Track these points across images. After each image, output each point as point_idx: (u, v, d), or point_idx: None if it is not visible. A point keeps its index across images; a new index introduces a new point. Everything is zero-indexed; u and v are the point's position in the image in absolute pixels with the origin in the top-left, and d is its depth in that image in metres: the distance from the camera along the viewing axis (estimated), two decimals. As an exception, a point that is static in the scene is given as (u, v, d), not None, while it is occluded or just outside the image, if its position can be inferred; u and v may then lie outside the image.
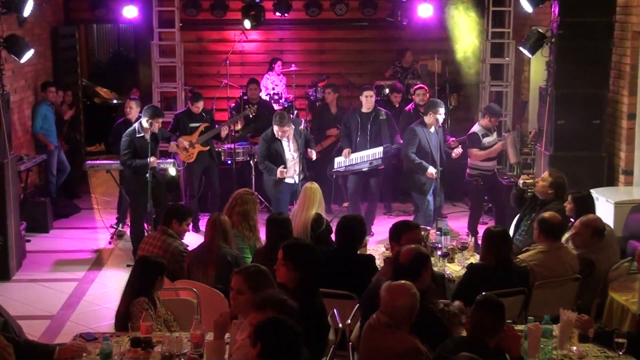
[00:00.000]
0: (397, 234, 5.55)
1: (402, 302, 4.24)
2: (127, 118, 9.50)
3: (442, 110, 8.81)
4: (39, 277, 8.49)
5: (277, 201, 8.85)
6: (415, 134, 8.87)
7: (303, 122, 9.29)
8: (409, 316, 4.25)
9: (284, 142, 8.76)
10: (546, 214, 6.06)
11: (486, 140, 9.12)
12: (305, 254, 4.76)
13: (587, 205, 6.65)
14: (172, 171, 9.21)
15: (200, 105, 9.84)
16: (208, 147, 9.85)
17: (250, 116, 10.31)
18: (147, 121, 8.60)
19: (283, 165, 8.67)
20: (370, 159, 9.35)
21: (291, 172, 8.73)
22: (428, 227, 7.39)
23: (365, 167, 9.40)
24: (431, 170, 8.71)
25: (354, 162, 9.42)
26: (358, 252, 6.00)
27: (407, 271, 4.68)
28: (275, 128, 8.67)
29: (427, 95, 10.16)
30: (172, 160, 9.35)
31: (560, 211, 6.61)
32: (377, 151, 9.34)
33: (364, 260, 5.87)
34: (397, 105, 10.96)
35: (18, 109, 10.34)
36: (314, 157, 9.01)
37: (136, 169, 8.72)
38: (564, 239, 6.33)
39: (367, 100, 9.45)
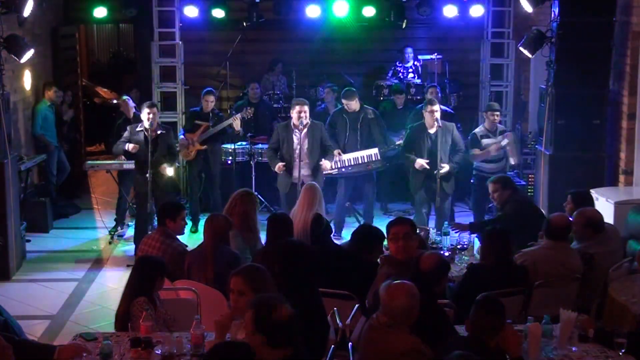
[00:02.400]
0: (387, 228, 5.56)
1: (399, 301, 4.23)
2: (127, 117, 9.64)
3: (432, 107, 8.69)
4: (39, 277, 8.48)
5: (286, 200, 8.76)
6: (410, 133, 8.89)
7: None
8: (407, 316, 4.24)
9: (295, 135, 8.64)
10: (553, 216, 6.07)
11: (485, 142, 9.14)
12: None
13: (586, 203, 6.70)
14: (170, 171, 9.19)
15: (210, 99, 9.89)
16: (205, 147, 9.86)
17: (247, 118, 10.20)
18: (146, 113, 8.70)
19: (283, 164, 8.67)
20: (366, 161, 9.25)
21: (295, 172, 8.62)
22: (428, 227, 7.40)
23: (363, 171, 9.28)
24: (420, 161, 8.66)
25: (347, 165, 9.29)
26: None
27: (427, 279, 4.69)
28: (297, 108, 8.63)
29: (438, 94, 10.14)
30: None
31: (517, 203, 7.09)
32: (373, 152, 9.22)
33: (369, 262, 5.84)
34: (400, 107, 10.90)
35: (18, 109, 10.33)
36: (327, 168, 8.82)
37: (139, 169, 8.81)
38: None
39: (347, 107, 9.31)
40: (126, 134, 8.92)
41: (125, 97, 10.12)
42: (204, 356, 3.60)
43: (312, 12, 11.49)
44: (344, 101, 9.37)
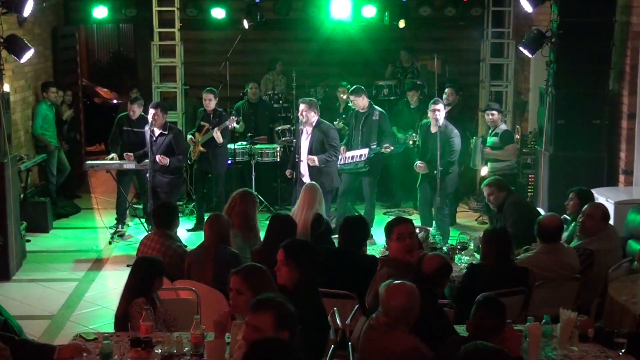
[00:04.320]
0: (390, 228, 5.53)
1: (398, 301, 4.23)
2: (131, 119, 9.72)
3: (436, 106, 8.69)
4: (39, 277, 8.48)
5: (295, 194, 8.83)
6: (420, 131, 8.99)
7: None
8: (406, 316, 4.23)
9: (304, 134, 8.74)
10: (543, 218, 6.06)
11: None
12: (307, 253, 4.74)
13: (590, 200, 6.77)
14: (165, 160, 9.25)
15: (207, 97, 9.89)
16: (204, 149, 9.85)
17: (230, 127, 10.04)
18: (152, 114, 8.88)
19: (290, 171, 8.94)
20: (356, 160, 9.28)
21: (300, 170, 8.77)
22: (428, 227, 7.39)
23: (352, 169, 9.31)
24: (417, 162, 8.75)
25: (343, 162, 9.28)
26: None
27: (429, 281, 4.69)
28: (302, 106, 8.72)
29: (453, 95, 10.10)
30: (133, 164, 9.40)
31: (519, 202, 7.19)
32: (363, 153, 9.24)
33: (367, 260, 5.86)
34: (413, 106, 10.72)
35: (18, 109, 10.34)
36: (315, 162, 8.76)
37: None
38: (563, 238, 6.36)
39: (353, 104, 9.39)
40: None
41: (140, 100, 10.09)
42: (244, 355, 3.57)
43: (312, 12, 11.49)
44: (350, 97, 9.47)
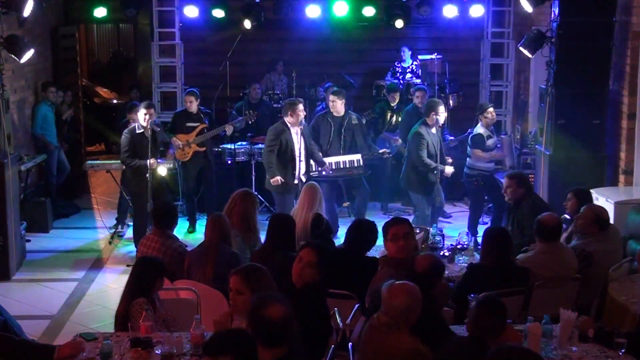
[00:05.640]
0: (386, 229, 5.54)
1: (398, 301, 4.24)
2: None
3: (441, 109, 8.75)
4: (39, 277, 8.48)
5: (282, 201, 8.70)
6: (423, 137, 8.77)
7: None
8: (405, 316, 4.23)
9: (294, 136, 8.62)
10: (542, 217, 6.07)
11: (489, 142, 9.17)
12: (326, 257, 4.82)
13: (588, 200, 6.74)
14: (162, 171, 9.13)
15: (190, 99, 9.71)
16: (204, 148, 9.81)
17: (250, 122, 10.20)
18: (143, 114, 8.62)
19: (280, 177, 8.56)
20: (348, 166, 9.15)
21: (296, 171, 8.62)
22: (428, 227, 7.39)
23: (344, 176, 9.21)
24: (448, 169, 8.77)
25: (332, 168, 9.12)
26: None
27: (422, 280, 4.69)
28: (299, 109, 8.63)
29: (426, 97, 10.07)
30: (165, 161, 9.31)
31: (534, 205, 6.96)
32: (355, 158, 9.14)
33: (367, 261, 5.85)
34: (394, 106, 10.79)
35: (18, 109, 10.34)
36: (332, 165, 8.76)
37: (136, 170, 8.73)
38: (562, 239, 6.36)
39: (332, 105, 9.25)
40: (127, 139, 8.76)
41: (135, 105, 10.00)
42: (204, 343, 3.58)
43: (312, 12, 11.49)
44: (331, 97, 9.30)
